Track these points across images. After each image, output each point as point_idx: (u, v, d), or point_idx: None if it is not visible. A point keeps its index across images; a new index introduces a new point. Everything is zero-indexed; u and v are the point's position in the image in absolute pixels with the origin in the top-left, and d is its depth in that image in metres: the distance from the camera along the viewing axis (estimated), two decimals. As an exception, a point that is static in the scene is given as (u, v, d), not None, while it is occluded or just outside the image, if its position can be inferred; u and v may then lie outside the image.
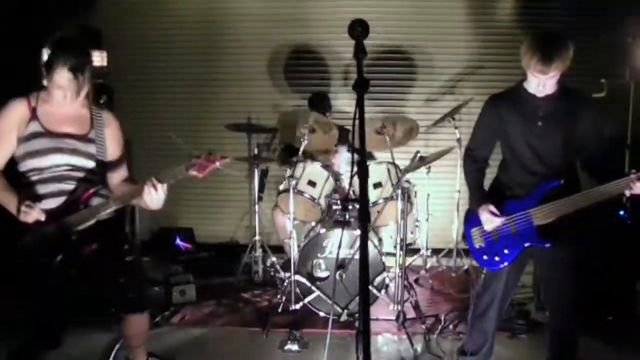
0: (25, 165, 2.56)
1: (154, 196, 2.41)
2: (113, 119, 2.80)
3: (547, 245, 2.63)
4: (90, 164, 2.66)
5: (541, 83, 2.52)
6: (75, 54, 2.54)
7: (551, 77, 2.49)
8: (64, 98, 2.58)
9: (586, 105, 2.63)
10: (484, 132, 2.84)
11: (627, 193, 2.39)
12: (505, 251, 2.72)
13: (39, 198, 2.52)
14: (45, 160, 2.55)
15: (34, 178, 2.56)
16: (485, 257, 2.79)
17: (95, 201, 2.63)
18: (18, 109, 2.55)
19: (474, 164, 2.88)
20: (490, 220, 2.71)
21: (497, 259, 2.74)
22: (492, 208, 2.70)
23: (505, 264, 2.73)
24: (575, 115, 2.59)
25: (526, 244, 2.67)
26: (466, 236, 2.90)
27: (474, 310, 2.95)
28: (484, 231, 2.78)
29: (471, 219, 2.85)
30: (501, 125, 2.72)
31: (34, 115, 2.56)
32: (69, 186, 2.60)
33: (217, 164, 2.41)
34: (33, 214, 2.43)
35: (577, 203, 2.51)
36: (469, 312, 3.83)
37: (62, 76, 2.52)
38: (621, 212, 3.57)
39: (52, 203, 2.55)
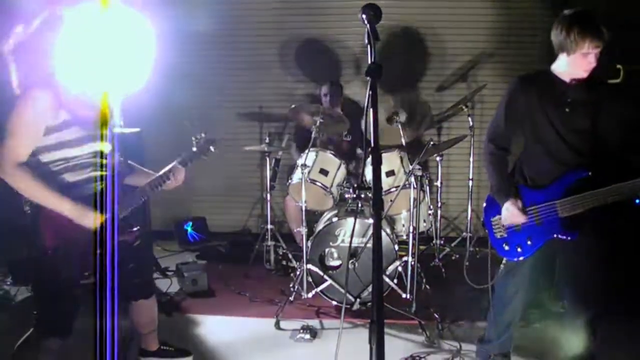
0: (54, 155, 2.42)
1: (177, 180, 2.71)
2: None
3: (573, 237, 2.54)
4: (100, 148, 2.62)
5: (590, 60, 2.41)
6: None
7: (599, 50, 2.40)
8: None
9: (616, 96, 2.53)
10: (509, 113, 2.64)
11: None
12: (529, 242, 2.64)
13: (82, 196, 2.45)
14: (85, 148, 2.46)
15: (61, 167, 2.44)
16: (506, 248, 2.72)
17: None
18: (47, 99, 2.32)
19: (496, 151, 2.71)
20: (516, 215, 2.61)
21: (519, 250, 2.67)
22: (521, 205, 2.61)
23: (528, 255, 2.65)
24: (603, 104, 2.50)
25: (551, 236, 2.59)
26: (486, 225, 2.80)
27: (497, 300, 2.88)
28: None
29: (492, 208, 2.75)
30: (527, 108, 2.59)
31: (60, 103, 2.37)
32: (96, 173, 2.53)
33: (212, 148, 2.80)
34: (100, 219, 2.39)
35: (606, 197, 2.43)
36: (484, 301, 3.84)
37: None
38: (637, 201, 3.52)
39: (88, 191, 2.48)
